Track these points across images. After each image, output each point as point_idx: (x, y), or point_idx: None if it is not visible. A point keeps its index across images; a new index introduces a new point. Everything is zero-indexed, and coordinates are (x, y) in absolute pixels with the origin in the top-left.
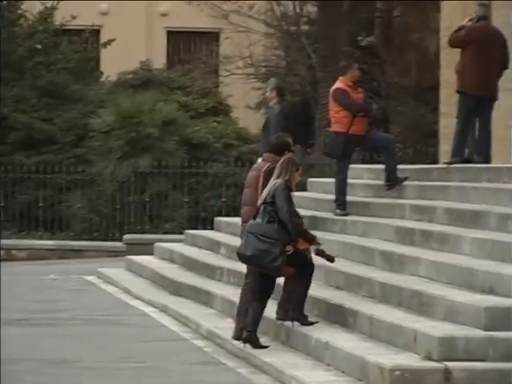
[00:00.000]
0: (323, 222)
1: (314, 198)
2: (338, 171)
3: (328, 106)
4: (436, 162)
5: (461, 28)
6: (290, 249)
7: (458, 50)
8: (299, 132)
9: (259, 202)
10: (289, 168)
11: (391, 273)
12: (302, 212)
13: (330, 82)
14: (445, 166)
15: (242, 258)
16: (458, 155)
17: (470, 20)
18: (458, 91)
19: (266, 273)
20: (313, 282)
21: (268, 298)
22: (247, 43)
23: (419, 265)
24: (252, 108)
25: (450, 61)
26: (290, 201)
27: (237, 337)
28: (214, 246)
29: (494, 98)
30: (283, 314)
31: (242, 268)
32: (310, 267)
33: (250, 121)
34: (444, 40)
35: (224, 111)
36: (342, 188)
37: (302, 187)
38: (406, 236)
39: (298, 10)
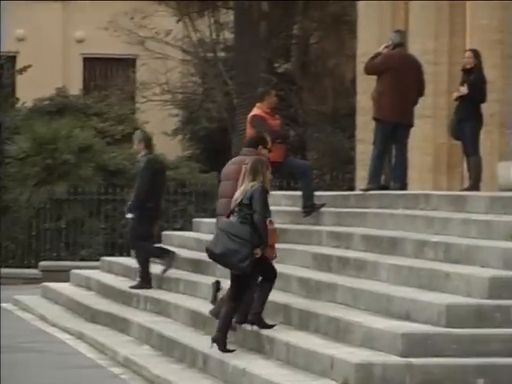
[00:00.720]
0: None
1: None
2: None
3: (245, 133)
4: (353, 188)
5: (377, 55)
6: (258, 252)
7: (375, 77)
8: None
9: (233, 203)
10: (261, 170)
11: (308, 299)
12: None
13: (247, 109)
14: (362, 192)
15: (210, 254)
16: (375, 182)
17: (386, 47)
18: (374, 118)
19: (239, 274)
20: None
21: (241, 299)
22: (164, 70)
23: (336, 291)
24: (169, 134)
25: (366, 87)
26: (266, 205)
27: (241, 321)
28: (130, 273)
29: (410, 125)
30: (242, 317)
31: (159, 295)
32: (273, 271)
33: (166, 147)
34: (360, 67)
35: None
36: None
37: None
38: (323, 262)
39: (214, 37)
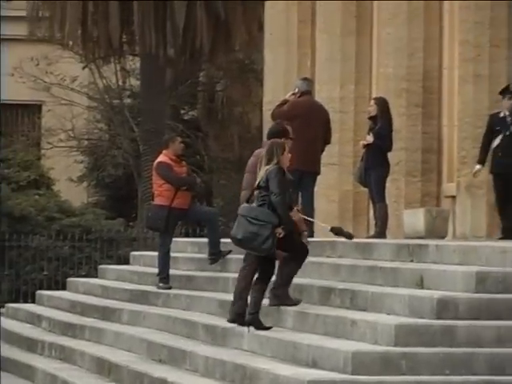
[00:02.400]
0: (146, 296)
1: (136, 271)
2: (160, 244)
3: (151, 180)
4: None
5: (284, 102)
6: (279, 231)
7: None
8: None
9: (255, 185)
10: (275, 152)
11: (215, 346)
12: (124, 286)
13: (153, 156)
14: None
15: (233, 240)
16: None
17: (293, 94)
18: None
19: (264, 256)
20: (135, 354)
21: (269, 279)
22: (70, 116)
23: (243, 338)
24: (74, 181)
25: None
26: (283, 185)
27: (232, 320)
28: (35, 320)
29: (316, 173)
30: (238, 316)
31: (64, 341)
32: (301, 252)
33: (72, 194)
34: (267, 114)
35: (46, 184)
36: (165, 261)
37: (125, 260)
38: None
39: (120, 83)
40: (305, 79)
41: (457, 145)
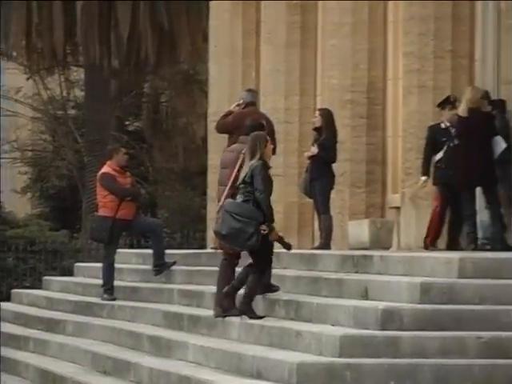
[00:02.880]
0: (91, 307)
1: (80, 282)
2: (105, 256)
3: (96, 191)
4: (204, 246)
5: (228, 113)
6: (264, 228)
7: (226, 136)
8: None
9: (239, 180)
10: (258, 145)
11: (159, 358)
12: (68, 297)
13: (97, 167)
14: (213, 250)
15: (217, 235)
16: None
17: (238, 105)
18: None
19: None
20: (79, 366)
21: (263, 270)
22: (14, 127)
23: (187, 349)
24: (18, 192)
25: (217, 146)
26: (267, 181)
27: (217, 315)
28: None
29: None
30: (224, 308)
31: (7, 353)
32: (271, 256)
33: (16, 205)
34: (211, 125)
35: None
36: (109, 273)
37: (70, 272)
38: (174, 321)
39: (65, 95)
40: (249, 90)
41: (401, 156)
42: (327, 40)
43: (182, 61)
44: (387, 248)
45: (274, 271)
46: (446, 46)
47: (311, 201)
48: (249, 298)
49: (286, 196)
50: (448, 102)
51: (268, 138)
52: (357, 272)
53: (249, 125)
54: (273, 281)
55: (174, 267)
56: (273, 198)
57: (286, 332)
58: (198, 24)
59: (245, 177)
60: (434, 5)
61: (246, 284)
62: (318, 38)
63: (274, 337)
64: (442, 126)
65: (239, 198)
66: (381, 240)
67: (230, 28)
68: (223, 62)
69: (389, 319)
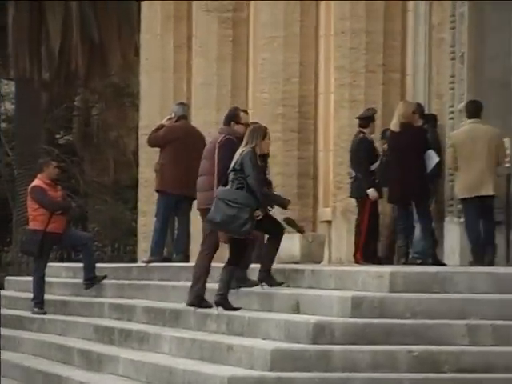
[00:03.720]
0: (21, 321)
1: (11, 296)
2: (35, 269)
3: (26, 204)
4: (135, 260)
5: (160, 127)
6: (259, 214)
7: (158, 149)
8: None
9: (230, 168)
10: (255, 135)
11: (90, 372)
12: None
13: (28, 180)
14: (144, 264)
15: (211, 223)
16: (157, 254)
17: (170, 119)
18: (157, 190)
19: (237, 239)
20: (9, 380)
21: (240, 262)
22: None
23: (118, 363)
24: None
25: (148, 159)
26: (257, 167)
27: (191, 303)
28: None
29: (192, 197)
30: (196, 299)
31: None
32: (280, 229)
33: None
34: (143, 139)
35: None
36: (39, 286)
37: (0, 285)
38: (105, 335)
39: None
40: (181, 104)
41: (332, 170)
42: (259, 54)
43: (112, 74)
44: (318, 262)
45: (207, 285)
46: (378, 61)
47: None
48: (225, 289)
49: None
50: (372, 119)
51: (268, 131)
52: (288, 286)
53: (225, 116)
54: (205, 295)
55: (104, 281)
56: None
57: (218, 346)
58: (129, 37)
59: (235, 164)
60: (366, 19)
61: (223, 273)
62: (250, 51)
63: (205, 351)
64: (369, 139)
65: (231, 186)
66: (312, 254)
67: (162, 41)
68: (154, 75)
69: (320, 333)
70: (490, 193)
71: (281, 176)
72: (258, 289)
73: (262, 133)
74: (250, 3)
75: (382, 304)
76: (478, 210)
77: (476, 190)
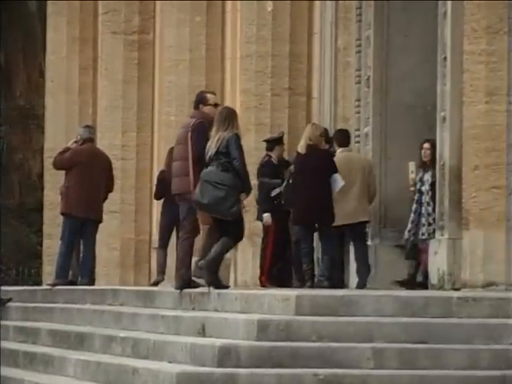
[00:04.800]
0: None
1: None
2: None
3: None
4: (40, 283)
5: (66, 150)
6: (244, 197)
7: (63, 172)
8: None
9: (211, 151)
10: (229, 117)
11: None
12: None
13: None
14: (49, 287)
15: (198, 205)
16: (62, 277)
17: (76, 142)
18: (62, 213)
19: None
20: None
21: (236, 240)
22: None
23: None
24: None
25: (53, 182)
26: (242, 151)
27: (180, 286)
28: None
29: (98, 220)
30: (184, 283)
31: None
32: (241, 234)
33: None
34: (48, 161)
35: None
36: None
37: None
38: (10, 358)
39: None
40: (86, 126)
41: None
42: (164, 76)
43: (17, 96)
44: None
45: (110, 308)
46: (284, 84)
47: (147, 238)
48: (215, 265)
49: (123, 233)
50: (280, 141)
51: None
52: (194, 309)
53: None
54: (109, 318)
55: (9, 304)
56: (110, 232)
57: (123, 369)
58: (34, 59)
59: (218, 147)
60: (272, 42)
61: (213, 250)
62: (156, 74)
63: (110, 374)
64: (274, 162)
65: (216, 169)
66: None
67: (67, 63)
68: (60, 97)
69: (226, 356)
70: (366, 219)
71: None
72: (164, 312)
73: (234, 114)
74: (156, 26)
75: (288, 327)
76: (349, 236)
77: (355, 217)
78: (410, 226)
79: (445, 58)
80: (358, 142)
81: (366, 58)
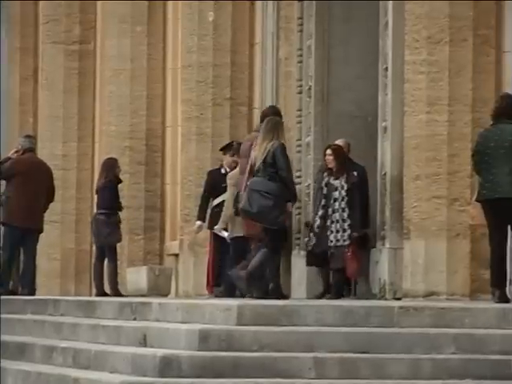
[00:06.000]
0: None
1: None
2: None
3: None
4: None
5: (6, 159)
6: (289, 207)
7: (3, 182)
8: None
9: (258, 162)
10: (275, 128)
11: None
12: None
13: None
14: None
15: (247, 214)
16: (4, 287)
17: (16, 152)
18: (2, 223)
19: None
20: None
21: (277, 250)
22: None
23: None
24: None
25: None
26: (289, 161)
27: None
28: None
29: (39, 230)
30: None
31: None
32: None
33: None
34: None
35: None
36: None
37: None
38: None
39: None
40: (27, 136)
41: (180, 203)
42: (105, 86)
43: None
44: (166, 295)
45: (51, 318)
46: (225, 94)
47: (88, 247)
48: (257, 275)
49: (64, 242)
50: (230, 148)
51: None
52: (135, 319)
53: (260, 116)
54: (49, 328)
55: None
56: (51, 242)
57: (64, 379)
58: None
59: (265, 158)
60: (213, 52)
61: (254, 261)
62: (97, 84)
63: (51, 383)
64: (222, 171)
65: (261, 177)
66: (159, 287)
67: (8, 73)
68: (0, 107)
69: (167, 366)
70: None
71: (127, 209)
72: (105, 322)
73: (280, 124)
74: (97, 36)
75: (229, 337)
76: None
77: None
78: (316, 231)
79: (386, 69)
80: (300, 151)
81: (307, 68)
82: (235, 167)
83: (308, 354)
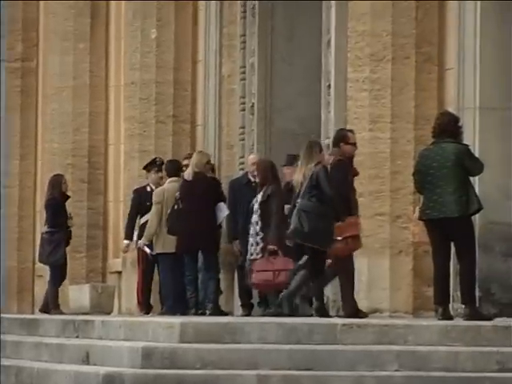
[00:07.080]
0: None
1: None
2: None
3: None
4: None
5: None
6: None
7: None
8: None
9: (303, 186)
10: (314, 151)
11: None
12: None
13: None
14: None
15: (298, 235)
16: None
17: None
18: None
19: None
20: None
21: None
22: None
23: None
24: None
25: None
26: (327, 180)
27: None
28: None
29: None
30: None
31: None
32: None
33: None
34: None
35: None
36: None
37: None
38: None
39: None
40: None
41: (122, 220)
42: (48, 104)
43: None
44: (108, 313)
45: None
46: (168, 111)
47: (31, 265)
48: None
49: (6, 260)
50: (154, 165)
51: (321, 145)
52: (78, 337)
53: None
54: None
55: None
56: None
57: None
58: None
59: (312, 180)
60: (156, 70)
61: (294, 281)
62: (39, 101)
63: None
64: (148, 189)
65: (307, 199)
66: (102, 305)
67: None
68: None
69: None
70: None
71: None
72: (48, 339)
73: (318, 146)
74: (40, 53)
75: (172, 354)
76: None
77: None
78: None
79: (329, 86)
80: (243, 169)
81: (250, 85)
82: (160, 184)
83: (251, 371)
